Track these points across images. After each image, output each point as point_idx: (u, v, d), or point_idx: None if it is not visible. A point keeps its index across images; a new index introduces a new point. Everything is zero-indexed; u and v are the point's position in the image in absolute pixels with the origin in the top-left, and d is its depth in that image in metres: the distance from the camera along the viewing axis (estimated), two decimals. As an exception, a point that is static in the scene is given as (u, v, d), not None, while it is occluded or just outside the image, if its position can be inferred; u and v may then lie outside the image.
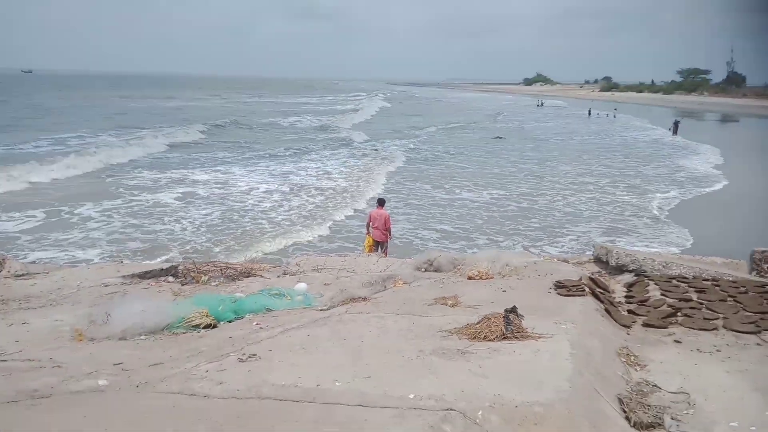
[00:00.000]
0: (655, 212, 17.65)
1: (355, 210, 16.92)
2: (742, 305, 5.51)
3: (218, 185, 20.35)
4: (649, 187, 21.70)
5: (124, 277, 6.97)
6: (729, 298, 5.72)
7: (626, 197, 19.84)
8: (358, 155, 28.39)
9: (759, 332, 4.91)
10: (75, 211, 16.18)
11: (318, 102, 78.59)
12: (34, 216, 15.67)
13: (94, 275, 7.15)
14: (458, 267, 7.22)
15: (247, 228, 14.76)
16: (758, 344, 4.71)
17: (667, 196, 20.28)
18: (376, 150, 30.08)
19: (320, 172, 23.30)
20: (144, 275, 7.06)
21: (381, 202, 11.74)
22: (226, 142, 32.92)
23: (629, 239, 14.49)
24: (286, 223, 15.54)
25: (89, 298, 6.14)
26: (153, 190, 19.53)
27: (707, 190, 21.60)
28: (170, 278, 7.01)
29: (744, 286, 6.05)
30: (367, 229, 11.29)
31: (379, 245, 11.11)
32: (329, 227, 15.08)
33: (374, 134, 38.30)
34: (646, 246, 13.34)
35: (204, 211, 16.41)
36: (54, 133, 33.17)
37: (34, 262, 10.73)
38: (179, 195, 18.68)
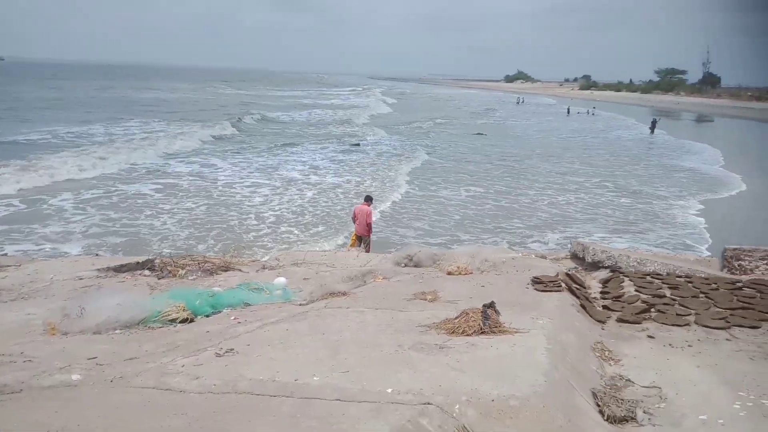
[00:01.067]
0: (678, 218, 16.81)
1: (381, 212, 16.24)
2: (713, 301, 5.64)
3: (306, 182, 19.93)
4: (643, 188, 21.08)
5: (99, 270, 6.86)
6: (701, 295, 5.85)
7: (624, 199, 19.18)
8: (376, 153, 27.74)
9: (729, 328, 5.04)
10: (51, 202, 15.83)
11: (319, 95, 77.94)
12: (13, 205, 15.28)
13: (68, 268, 7.01)
14: (438, 262, 7.26)
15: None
16: (728, 339, 4.84)
17: (670, 197, 19.63)
18: (399, 153, 28.82)
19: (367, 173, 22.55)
20: (119, 269, 6.95)
21: (368, 199, 11.84)
22: (263, 137, 32.50)
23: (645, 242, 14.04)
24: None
25: (63, 292, 6.03)
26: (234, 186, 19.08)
27: (733, 193, 20.66)
28: (146, 272, 6.91)
29: (715, 283, 6.20)
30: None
31: (361, 240, 11.26)
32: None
33: (394, 130, 38.30)
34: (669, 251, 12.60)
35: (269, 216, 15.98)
36: (52, 124, 31.92)
37: (5, 254, 10.49)
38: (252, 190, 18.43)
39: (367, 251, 10.53)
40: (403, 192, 19.15)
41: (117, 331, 4.80)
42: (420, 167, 24.30)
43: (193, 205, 16.10)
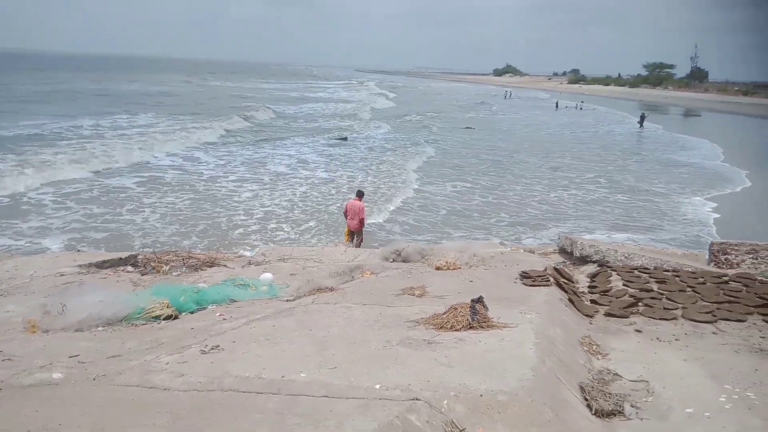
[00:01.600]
0: (684, 216, 16.47)
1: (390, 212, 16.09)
2: (700, 295, 5.68)
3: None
4: (642, 185, 20.85)
5: (80, 266, 6.74)
6: (688, 289, 5.89)
7: (621, 196, 18.95)
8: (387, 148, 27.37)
9: (715, 321, 5.07)
10: (30, 195, 15.54)
11: (312, 89, 77.19)
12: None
13: (48, 264, 6.89)
14: (426, 257, 7.24)
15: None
16: (714, 333, 4.87)
17: (671, 193, 19.40)
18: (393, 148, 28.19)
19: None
20: (102, 265, 6.85)
21: (359, 194, 11.79)
22: (273, 131, 32.28)
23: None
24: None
25: (43, 288, 5.91)
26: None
27: (737, 189, 20.43)
28: (129, 268, 6.83)
29: (702, 277, 6.24)
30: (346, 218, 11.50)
31: (353, 235, 11.27)
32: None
33: (392, 123, 38.23)
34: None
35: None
36: (43, 117, 30.88)
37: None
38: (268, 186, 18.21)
39: (358, 246, 10.53)
40: (415, 188, 18.79)
41: (99, 329, 4.72)
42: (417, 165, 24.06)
43: (177, 200, 15.92)
